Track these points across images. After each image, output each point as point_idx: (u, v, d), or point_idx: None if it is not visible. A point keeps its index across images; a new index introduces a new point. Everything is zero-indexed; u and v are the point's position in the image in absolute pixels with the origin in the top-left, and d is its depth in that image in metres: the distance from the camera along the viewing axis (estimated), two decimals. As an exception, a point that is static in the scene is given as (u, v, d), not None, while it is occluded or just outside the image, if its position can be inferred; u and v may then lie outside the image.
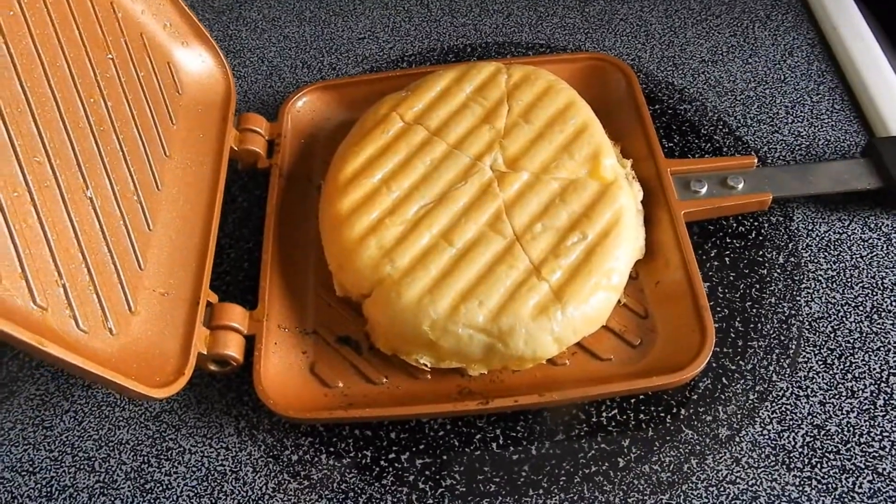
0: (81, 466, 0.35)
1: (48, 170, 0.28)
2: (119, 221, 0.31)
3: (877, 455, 0.32)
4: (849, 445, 0.32)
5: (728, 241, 0.39)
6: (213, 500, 0.33)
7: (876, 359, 0.35)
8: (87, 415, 0.36)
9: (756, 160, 0.39)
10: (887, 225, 0.39)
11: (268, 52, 0.51)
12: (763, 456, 0.32)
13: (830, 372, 0.34)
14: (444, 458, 0.33)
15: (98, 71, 0.33)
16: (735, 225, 0.40)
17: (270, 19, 0.53)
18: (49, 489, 0.34)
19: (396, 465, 0.33)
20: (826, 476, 0.32)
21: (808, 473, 0.32)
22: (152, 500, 0.33)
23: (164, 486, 0.34)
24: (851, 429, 0.33)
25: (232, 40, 0.52)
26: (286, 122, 0.43)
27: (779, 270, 0.38)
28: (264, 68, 0.50)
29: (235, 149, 0.40)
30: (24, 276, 0.26)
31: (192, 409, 0.36)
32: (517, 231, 0.35)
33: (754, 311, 0.37)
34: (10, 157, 0.27)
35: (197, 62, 0.40)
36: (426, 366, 0.34)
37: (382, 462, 0.34)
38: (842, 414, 0.33)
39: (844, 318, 0.36)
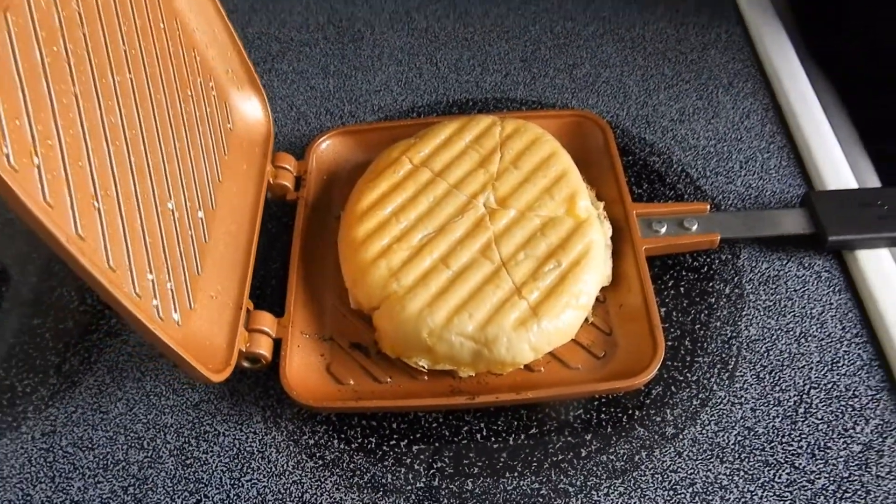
0: (132, 444, 0.41)
1: (149, 184, 0.36)
2: (188, 231, 0.38)
3: (795, 453, 0.38)
4: (773, 444, 0.39)
5: (684, 273, 0.46)
6: (243, 474, 0.40)
7: (800, 375, 0.41)
8: (137, 402, 0.43)
9: (708, 206, 0.46)
10: (818, 265, 0.46)
11: (296, 100, 0.59)
12: (701, 451, 0.39)
13: (762, 384, 0.41)
14: (437, 445, 0.40)
15: (183, 106, 0.41)
16: (691, 260, 0.47)
17: (299, 72, 0.61)
18: (105, 462, 0.41)
19: (396, 450, 0.40)
20: (752, 468, 0.38)
21: (738, 466, 0.38)
22: (192, 474, 0.40)
23: (202, 462, 0.40)
24: (776, 431, 0.39)
25: (266, 89, 0.59)
26: (312, 161, 0.51)
27: (725, 300, 0.45)
28: (293, 114, 0.58)
29: (271, 182, 0.48)
30: (130, 268, 0.33)
31: (225, 400, 0.43)
32: (503, 258, 0.42)
33: (702, 332, 0.43)
34: (128, 172, 0.35)
35: (246, 105, 0.48)
36: (424, 367, 0.41)
37: (385, 447, 0.40)
38: (768, 419, 0.40)
39: (777, 341, 0.43)
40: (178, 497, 0.39)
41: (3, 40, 0.29)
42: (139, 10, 0.39)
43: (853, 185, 0.49)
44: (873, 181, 0.52)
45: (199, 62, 0.44)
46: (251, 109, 0.49)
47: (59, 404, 0.43)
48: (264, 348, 0.41)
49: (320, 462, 0.40)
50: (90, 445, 0.41)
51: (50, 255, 0.48)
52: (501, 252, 0.42)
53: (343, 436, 0.41)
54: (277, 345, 0.42)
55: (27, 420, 0.42)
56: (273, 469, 0.40)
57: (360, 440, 0.40)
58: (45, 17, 0.31)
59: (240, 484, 0.39)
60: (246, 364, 0.41)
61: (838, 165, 0.50)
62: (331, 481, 0.39)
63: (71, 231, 0.30)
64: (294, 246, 0.46)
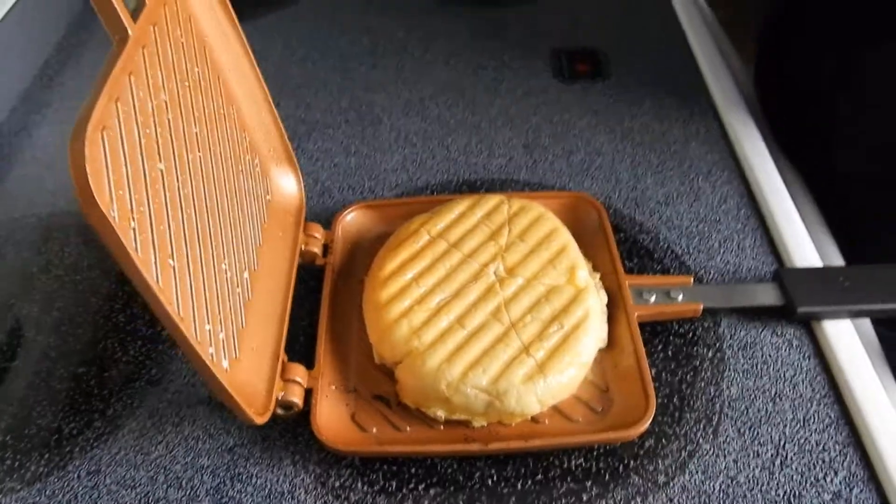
0: (172, 484, 0.45)
1: (209, 246, 0.41)
2: (236, 289, 0.43)
3: (773, 500, 0.43)
4: (753, 492, 0.43)
5: (671, 338, 0.51)
6: (274, 512, 0.43)
7: (776, 431, 0.46)
8: (176, 445, 0.47)
9: (692, 280, 0.52)
10: (790, 333, 0.51)
11: (321, 176, 0.65)
12: (690, 497, 0.43)
13: (742, 439, 0.46)
14: (452, 489, 0.44)
15: (235, 180, 0.47)
16: (677, 327, 0.52)
17: (324, 151, 0.67)
18: (146, 500, 0.44)
19: (415, 493, 0.44)
20: (735, 513, 0.43)
21: (722, 510, 0.43)
22: (227, 511, 0.44)
23: (237, 501, 0.44)
24: (755, 480, 0.44)
25: (293, 165, 0.66)
26: (338, 231, 0.56)
27: (708, 363, 0.50)
28: (318, 188, 0.64)
29: (302, 248, 0.53)
30: (193, 318, 0.38)
31: (258, 445, 0.47)
32: (513, 320, 0.47)
33: (688, 391, 0.48)
34: (195, 236, 0.40)
35: (283, 178, 0.54)
36: (441, 417, 0.45)
37: (404, 490, 0.44)
38: (749, 469, 0.44)
39: (755, 400, 0.48)
40: (215, 532, 0.43)
41: (114, 124, 0.34)
42: (207, 97, 0.45)
43: (818, 263, 0.55)
44: (836, 259, 0.59)
45: (248, 142, 0.51)
46: (287, 183, 0.55)
47: (103, 446, 0.47)
48: (297, 397, 0.45)
49: (346, 502, 0.44)
50: (132, 484, 0.45)
51: (70, 312, 0.53)
52: (510, 315, 0.48)
53: (366, 479, 0.45)
54: (308, 395, 0.46)
55: (73, 460, 0.46)
56: (302, 508, 0.44)
57: (381, 483, 0.44)
58: (142, 105, 0.37)
59: (272, 521, 0.43)
60: (280, 411, 0.45)
61: (804, 246, 0.56)
62: (355, 520, 0.43)
63: (154, 282, 0.36)
64: (322, 306, 0.51)
